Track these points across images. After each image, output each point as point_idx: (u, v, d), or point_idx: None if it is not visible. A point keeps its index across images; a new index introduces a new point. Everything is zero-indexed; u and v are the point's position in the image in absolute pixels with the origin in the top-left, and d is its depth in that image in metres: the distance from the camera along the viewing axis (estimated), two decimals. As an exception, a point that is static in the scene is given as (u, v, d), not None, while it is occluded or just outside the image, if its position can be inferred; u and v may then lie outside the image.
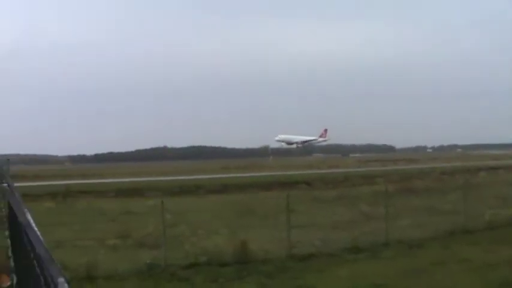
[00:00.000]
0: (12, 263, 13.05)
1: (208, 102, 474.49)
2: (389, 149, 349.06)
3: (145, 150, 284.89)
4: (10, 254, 14.09)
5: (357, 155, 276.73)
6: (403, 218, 33.51)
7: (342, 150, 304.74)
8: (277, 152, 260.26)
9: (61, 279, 4.31)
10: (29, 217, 8.59)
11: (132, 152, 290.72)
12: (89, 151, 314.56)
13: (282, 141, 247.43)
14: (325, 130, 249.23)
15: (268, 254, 25.61)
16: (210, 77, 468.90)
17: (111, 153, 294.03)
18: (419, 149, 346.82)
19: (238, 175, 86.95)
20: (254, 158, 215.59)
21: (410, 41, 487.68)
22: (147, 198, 50.62)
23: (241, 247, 25.43)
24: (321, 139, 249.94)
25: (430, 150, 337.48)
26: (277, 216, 30.56)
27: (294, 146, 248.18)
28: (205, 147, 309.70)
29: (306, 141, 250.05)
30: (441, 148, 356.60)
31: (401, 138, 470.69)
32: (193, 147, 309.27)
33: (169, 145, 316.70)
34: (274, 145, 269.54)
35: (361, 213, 37.26)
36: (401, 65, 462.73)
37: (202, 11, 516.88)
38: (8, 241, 15.18)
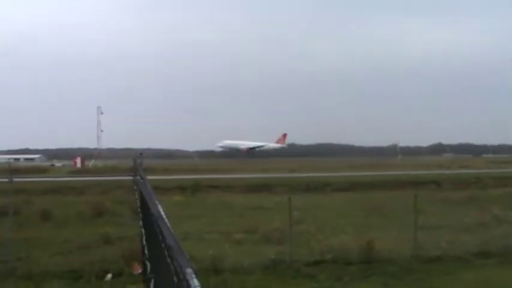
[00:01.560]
0: (146, 251, 13.65)
1: (334, 99, 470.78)
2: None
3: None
4: (144, 242, 14.74)
5: (489, 155, 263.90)
6: (539, 222, 32.09)
7: (473, 150, 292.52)
8: (406, 151, 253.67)
9: (189, 270, 4.51)
10: (160, 209, 8.95)
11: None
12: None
13: (226, 148, 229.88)
14: (284, 135, 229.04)
15: (393, 254, 25.22)
16: (334, 73, 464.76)
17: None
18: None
19: (366, 173, 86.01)
20: (382, 156, 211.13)
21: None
22: (274, 194, 51.13)
23: (367, 246, 25.24)
24: (275, 145, 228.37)
25: None
26: (404, 216, 30.04)
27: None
28: (332, 144, 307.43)
29: (254, 148, 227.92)
30: None
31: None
32: (320, 144, 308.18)
33: (296, 142, 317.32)
34: (401, 144, 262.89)
35: (493, 216, 35.88)
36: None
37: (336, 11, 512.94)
38: (142, 230, 15.88)
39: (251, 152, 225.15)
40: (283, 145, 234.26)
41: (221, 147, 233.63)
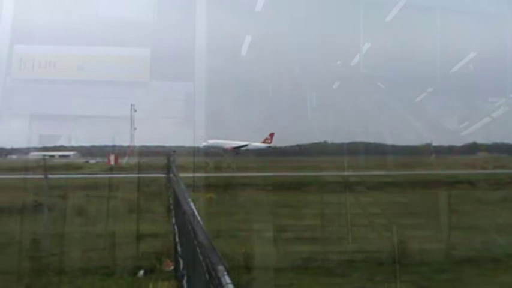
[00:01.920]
0: (179, 248, 13.74)
1: (368, 98, 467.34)
2: None
3: (305, 145, 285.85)
4: (177, 239, 14.83)
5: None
6: None
7: (509, 150, 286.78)
8: (440, 150, 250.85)
9: (221, 267, 4.54)
10: (192, 206, 9.00)
11: (292, 147, 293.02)
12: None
13: (211, 147, 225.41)
14: (271, 134, 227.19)
15: (426, 255, 25.07)
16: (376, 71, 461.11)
17: (269, 147, 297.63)
18: None
19: (399, 172, 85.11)
20: (415, 155, 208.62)
21: None
22: (306, 193, 50.87)
23: (399, 246, 25.07)
24: (261, 144, 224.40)
25: None
26: (437, 216, 29.75)
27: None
28: (365, 143, 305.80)
29: (238, 147, 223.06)
30: None
31: None
32: (354, 143, 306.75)
33: (329, 140, 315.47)
34: (434, 143, 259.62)
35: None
36: None
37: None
38: (175, 227, 15.98)
39: (237, 151, 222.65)
40: (270, 144, 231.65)
41: (206, 146, 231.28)
